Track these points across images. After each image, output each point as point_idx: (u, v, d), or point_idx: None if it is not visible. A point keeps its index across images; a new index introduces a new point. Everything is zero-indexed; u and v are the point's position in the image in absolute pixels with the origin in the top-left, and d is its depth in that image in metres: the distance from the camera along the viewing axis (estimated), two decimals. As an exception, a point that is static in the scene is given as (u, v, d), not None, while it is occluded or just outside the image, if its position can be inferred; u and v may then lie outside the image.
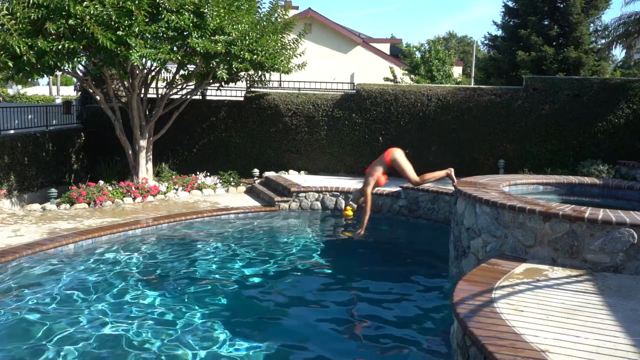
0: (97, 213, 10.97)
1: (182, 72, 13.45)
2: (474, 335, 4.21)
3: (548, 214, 6.09)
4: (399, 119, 14.47)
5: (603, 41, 21.52)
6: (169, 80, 14.38)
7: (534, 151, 13.83)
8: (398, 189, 12.01)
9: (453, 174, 8.09)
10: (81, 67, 13.38)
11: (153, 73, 14.07)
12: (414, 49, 26.69)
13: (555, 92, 13.75)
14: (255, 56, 12.33)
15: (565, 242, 6.00)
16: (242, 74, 14.74)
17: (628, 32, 15.21)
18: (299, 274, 8.19)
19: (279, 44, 13.71)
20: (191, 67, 13.39)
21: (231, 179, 14.28)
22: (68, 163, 15.11)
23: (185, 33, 11.15)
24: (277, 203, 12.19)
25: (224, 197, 13.19)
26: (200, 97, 15.94)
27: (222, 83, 14.29)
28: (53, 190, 11.84)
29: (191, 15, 11.04)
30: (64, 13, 10.34)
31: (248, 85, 15.48)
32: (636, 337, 4.24)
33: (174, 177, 13.97)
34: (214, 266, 8.37)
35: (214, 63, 12.04)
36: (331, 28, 29.14)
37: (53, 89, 42.56)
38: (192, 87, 14.58)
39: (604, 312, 4.76)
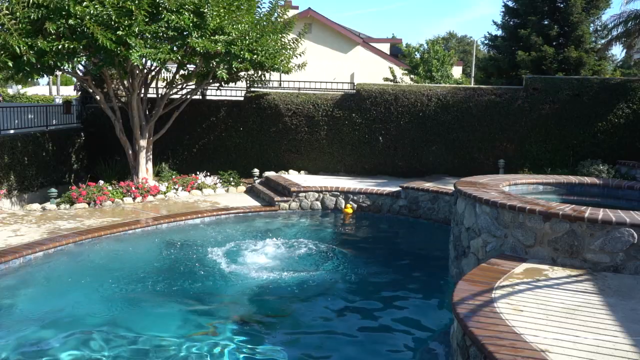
0: (97, 213, 10.97)
1: (182, 72, 13.45)
2: (474, 335, 4.21)
3: (548, 214, 6.09)
4: (399, 119, 14.47)
5: (603, 41, 21.47)
6: (169, 80, 14.37)
7: (533, 151, 13.83)
8: (398, 188, 12.01)
9: None
10: (81, 67, 13.38)
11: (153, 73, 14.06)
12: (414, 49, 26.71)
13: (555, 92, 13.75)
14: (255, 56, 12.33)
15: (565, 242, 6.00)
16: (242, 74, 14.73)
17: (628, 31, 15.18)
18: (298, 273, 8.19)
19: (279, 44, 13.71)
20: (191, 67, 13.39)
21: (231, 178, 14.27)
22: (68, 163, 15.10)
23: (185, 33, 11.14)
24: (277, 203, 12.19)
25: (224, 197, 13.19)
26: (200, 97, 15.94)
27: (222, 83, 14.28)
28: (53, 190, 11.84)
29: (191, 15, 11.03)
30: (64, 13, 10.32)
31: (248, 85, 15.48)
32: (636, 337, 4.24)
33: (174, 177, 13.97)
34: (213, 265, 8.36)
35: (214, 63, 12.04)
36: (331, 28, 29.14)
37: (53, 89, 42.52)
38: (192, 87, 14.57)
39: (603, 311, 4.76)
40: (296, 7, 27.08)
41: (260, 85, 15.67)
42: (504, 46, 24.25)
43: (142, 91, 13.76)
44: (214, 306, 7.01)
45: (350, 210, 12.10)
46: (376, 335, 6.25)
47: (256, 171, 14.62)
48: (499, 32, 25.70)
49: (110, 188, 12.20)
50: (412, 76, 25.53)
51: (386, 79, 25.44)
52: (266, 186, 13.60)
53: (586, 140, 13.59)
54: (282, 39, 14.02)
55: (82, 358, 5.49)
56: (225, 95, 16.65)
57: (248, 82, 15.26)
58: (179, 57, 11.57)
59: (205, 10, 11.15)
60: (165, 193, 12.77)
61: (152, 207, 11.78)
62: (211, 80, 14.01)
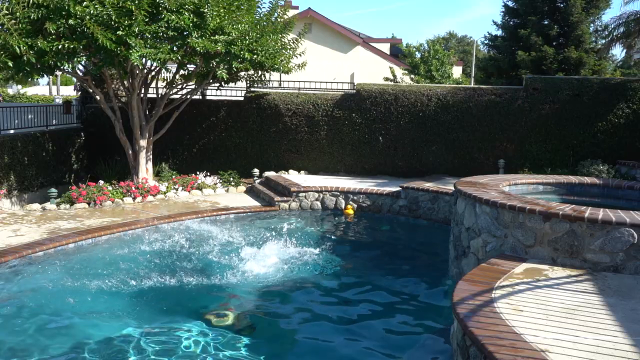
0: (97, 213, 10.97)
1: (182, 72, 13.45)
2: (474, 335, 4.21)
3: (548, 214, 6.09)
4: (399, 119, 14.47)
5: (603, 41, 21.49)
6: (169, 80, 14.37)
7: (533, 151, 13.83)
8: (398, 189, 12.00)
9: None
10: (81, 67, 13.37)
11: (153, 73, 14.06)
12: (414, 49, 26.72)
13: (555, 92, 13.75)
14: (255, 56, 12.33)
15: (565, 242, 5.99)
16: (242, 74, 14.73)
17: (628, 32, 15.21)
18: (298, 273, 8.20)
19: (279, 44, 13.71)
20: (191, 67, 13.39)
21: (231, 178, 14.27)
22: (68, 163, 15.10)
23: (185, 33, 11.14)
24: (277, 203, 12.19)
25: (224, 197, 13.19)
26: (200, 97, 15.94)
27: (222, 83, 14.29)
28: (53, 190, 11.84)
29: (191, 15, 11.03)
30: (64, 13, 10.32)
31: (248, 85, 15.47)
32: (636, 337, 4.24)
33: (174, 177, 13.97)
34: (212, 264, 8.37)
35: (214, 63, 12.03)
36: (331, 28, 29.14)
37: (53, 89, 42.51)
38: (192, 87, 14.57)
39: (603, 311, 4.75)
40: (296, 7, 27.08)
41: (260, 85, 15.67)
42: (504, 46, 24.25)
43: (142, 91, 13.76)
44: (211, 304, 7.01)
45: (351, 212, 12.08)
46: (375, 335, 6.24)
47: (256, 171, 14.62)
48: (499, 32, 25.70)
49: (110, 188, 12.20)
50: (412, 76, 25.54)
51: (386, 79, 25.45)
52: (266, 186, 13.60)
53: (586, 140, 13.59)
54: (282, 39, 14.02)
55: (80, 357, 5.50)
56: (225, 95, 16.65)
57: (248, 82, 15.26)
58: (179, 57, 11.57)
59: (205, 10, 11.15)
60: (165, 193, 12.77)
61: (152, 207, 11.78)
62: (211, 80, 14.01)
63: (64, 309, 6.66)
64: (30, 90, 42.23)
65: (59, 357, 5.52)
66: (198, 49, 11.17)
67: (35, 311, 6.56)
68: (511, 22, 24.64)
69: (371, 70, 27.62)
